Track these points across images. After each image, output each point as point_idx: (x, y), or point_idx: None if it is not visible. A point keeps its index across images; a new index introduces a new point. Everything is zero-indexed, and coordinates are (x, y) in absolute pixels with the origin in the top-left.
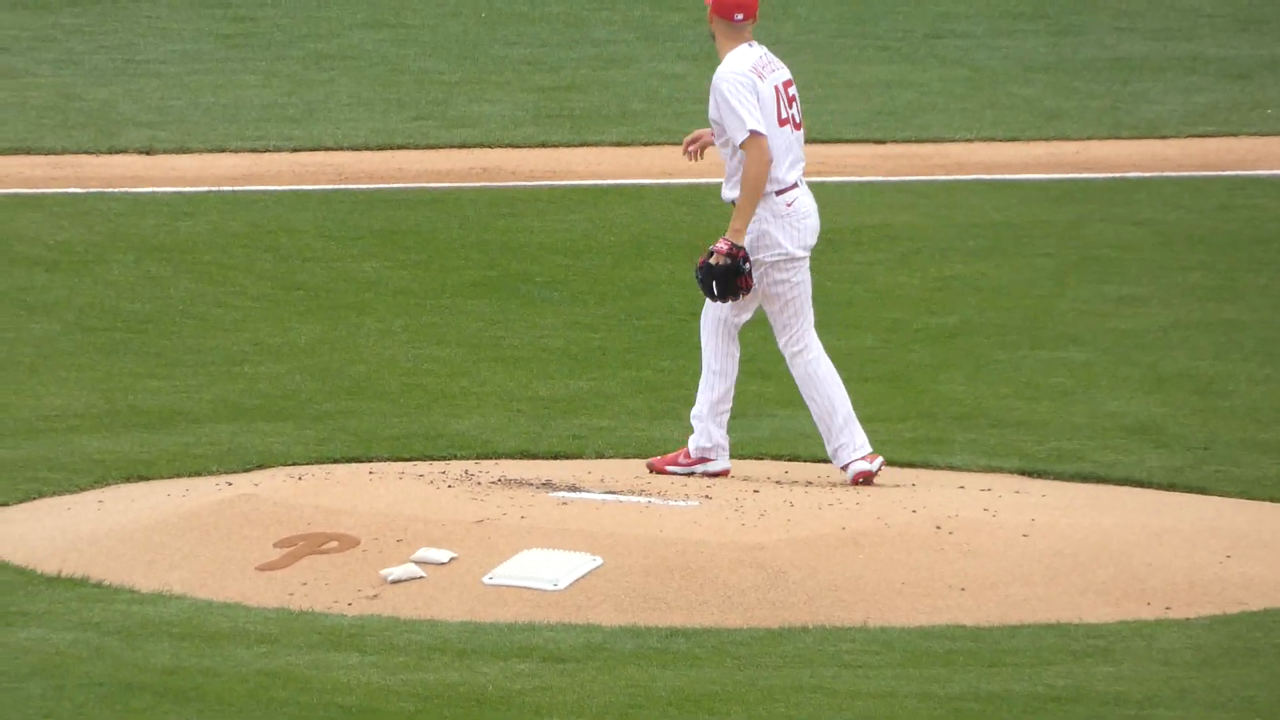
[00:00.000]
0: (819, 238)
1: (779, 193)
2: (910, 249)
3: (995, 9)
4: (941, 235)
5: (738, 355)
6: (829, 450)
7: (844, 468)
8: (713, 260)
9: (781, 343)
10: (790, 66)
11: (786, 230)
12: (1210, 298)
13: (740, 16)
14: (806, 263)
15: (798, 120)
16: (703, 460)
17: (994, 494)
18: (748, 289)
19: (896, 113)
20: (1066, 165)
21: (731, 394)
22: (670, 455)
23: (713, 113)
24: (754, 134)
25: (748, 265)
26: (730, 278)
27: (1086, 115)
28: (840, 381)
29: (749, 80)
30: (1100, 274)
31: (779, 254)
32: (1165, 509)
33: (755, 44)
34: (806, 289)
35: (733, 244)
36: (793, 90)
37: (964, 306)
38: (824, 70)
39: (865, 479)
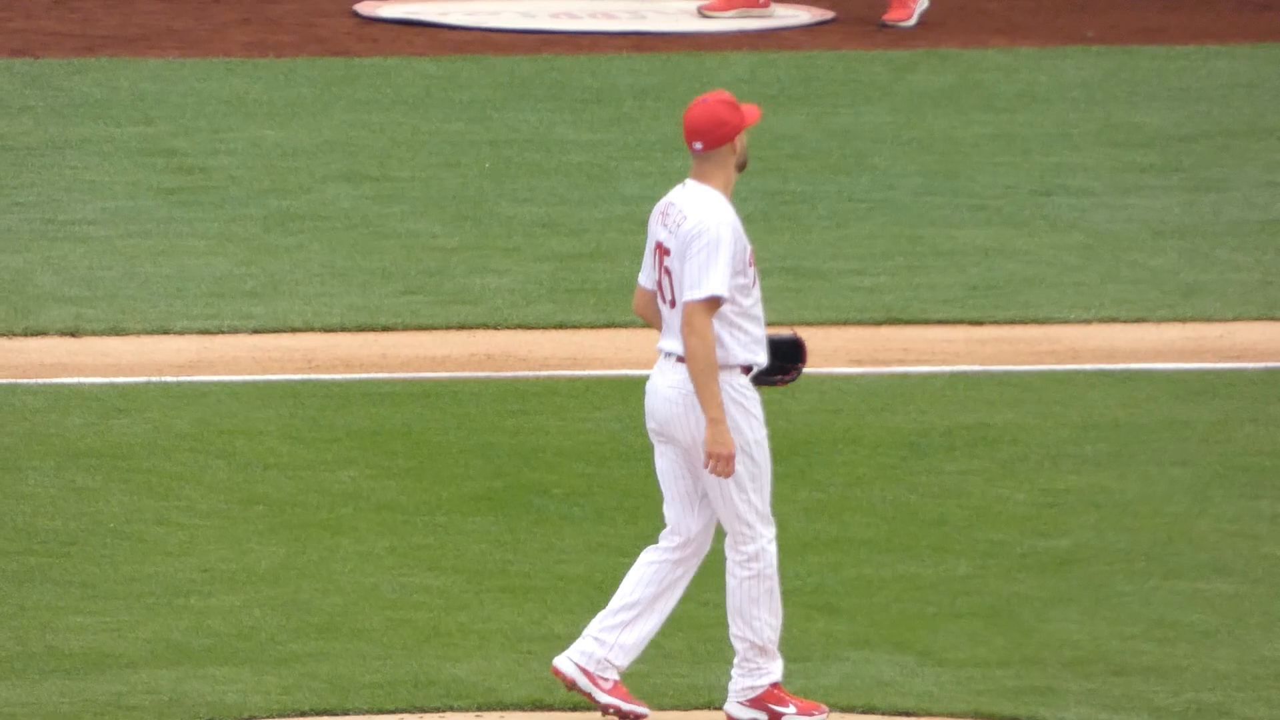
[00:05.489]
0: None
1: None
2: (1014, 455)
3: (1118, 161)
4: (1053, 439)
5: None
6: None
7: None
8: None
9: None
10: (865, 229)
11: None
12: None
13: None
14: (658, 448)
15: (665, 294)
16: None
17: None
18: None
19: (996, 287)
20: (1208, 353)
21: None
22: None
23: None
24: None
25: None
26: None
27: (1232, 291)
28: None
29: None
30: (1251, 487)
31: None
32: None
33: (688, 181)
34: (662, 477)
35: None
36: (667, 261)
37: (1080, 527)
38: (907, 234)
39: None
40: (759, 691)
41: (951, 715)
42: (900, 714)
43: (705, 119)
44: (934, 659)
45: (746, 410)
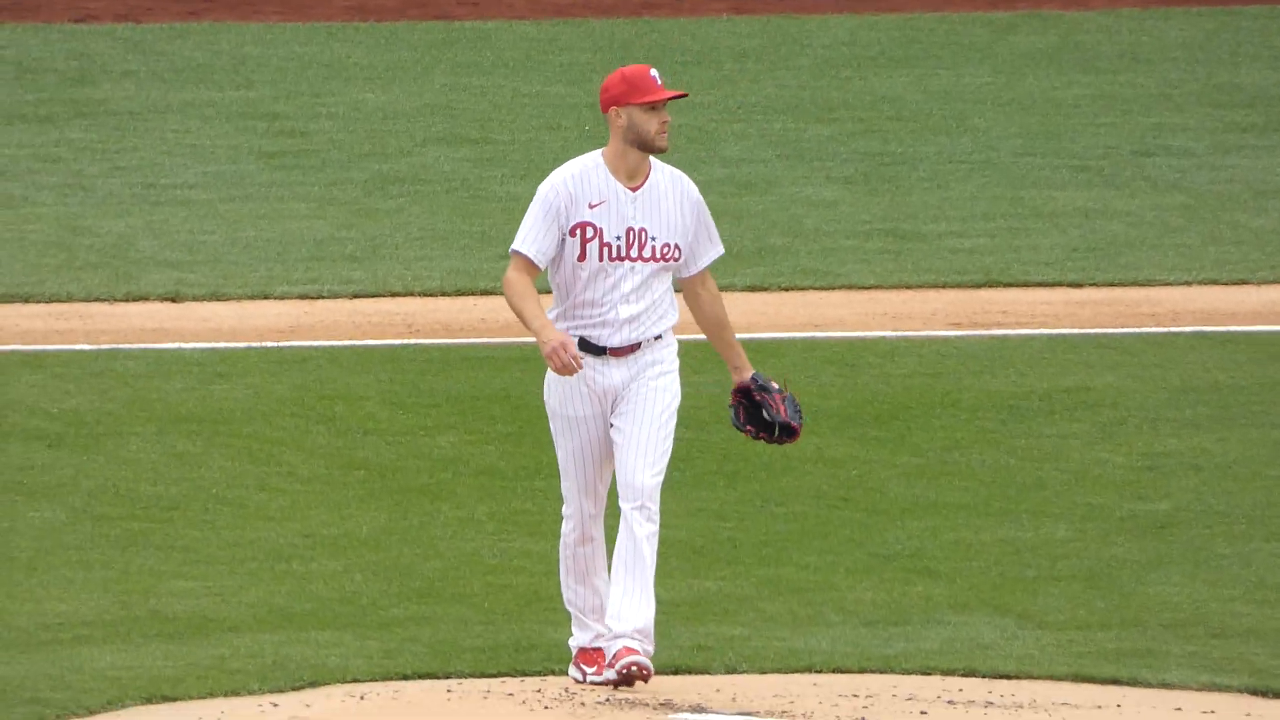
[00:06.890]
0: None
1: None
2: (1114, 419)
3: (1219, 121)
4: (1152, 402)
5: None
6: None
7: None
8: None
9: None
10: (965, 191)
11: None
12: None
13: None
14: None
15: None
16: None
17: (1219, 718)
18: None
19: (1097, 249)
20: None
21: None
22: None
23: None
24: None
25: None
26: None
27: None
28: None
29: None
30: None
31: None
32: None
33: None
34: None
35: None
36: None
37: (1180, 490)
38: (1007, 196)
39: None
40: (573, 652)
41: (1052, 678)
42: (1001, 676)
43: (604, 83)
44: (1034, 622)
45: (559, 377)
